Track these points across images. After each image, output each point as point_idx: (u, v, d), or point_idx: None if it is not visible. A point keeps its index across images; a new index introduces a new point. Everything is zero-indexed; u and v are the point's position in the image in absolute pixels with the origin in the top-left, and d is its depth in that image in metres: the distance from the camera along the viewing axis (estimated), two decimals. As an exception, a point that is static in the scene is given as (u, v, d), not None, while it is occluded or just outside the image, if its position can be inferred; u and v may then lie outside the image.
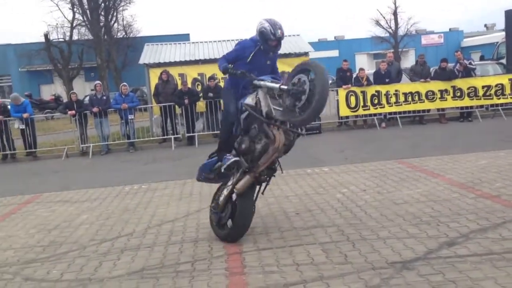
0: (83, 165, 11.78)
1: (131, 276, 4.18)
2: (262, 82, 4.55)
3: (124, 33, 41.69)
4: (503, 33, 19.50)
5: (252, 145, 4.64)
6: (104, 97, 13.47)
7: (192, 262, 4.38)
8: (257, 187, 4.91)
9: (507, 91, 13.35)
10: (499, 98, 13.42)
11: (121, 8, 40.21)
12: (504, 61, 18.55)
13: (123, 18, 41.57)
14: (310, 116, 4.22)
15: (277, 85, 4.43)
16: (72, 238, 5.46)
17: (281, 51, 17.92)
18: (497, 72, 16.12)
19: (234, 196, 4.76)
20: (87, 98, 18.76)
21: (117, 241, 5.20)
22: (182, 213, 6.12)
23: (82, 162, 12.14)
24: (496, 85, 13.40)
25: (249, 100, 4.64)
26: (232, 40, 17.17)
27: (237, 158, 4.73)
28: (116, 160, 12.03)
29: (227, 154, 4.83)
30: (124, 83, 14.06)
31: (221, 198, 4.87)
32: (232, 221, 4.77)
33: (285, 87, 4.36)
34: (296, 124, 4.48)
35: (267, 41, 4.76)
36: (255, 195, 4.92)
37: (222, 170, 4.82)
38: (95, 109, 12.95)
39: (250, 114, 4.61)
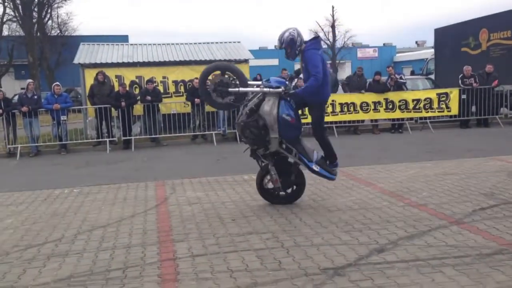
0: (9, 166, 11.15)
1: (57, 284, 3.98)
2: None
3: (58, 31, 40.17)
4: (433, 50, 20.62)
5: None
6: (35, 97, 12.84)
7: (123, 269, 4.24)
8: None
9: (435, 105, 14.09)
10: (427, 112, 14.14)
11: (56, 5, 38.78)
12: (433, 76, 19.63)
13: (58, 16, 40.10)
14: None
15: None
16: (-6, 244, 5.13)
17: (221, 58, 17.98)
18: (426, 87, 16.98)
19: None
20: (16, 97, 17.82)
21: (43, 247, 4.94)
22: (115, 218, 5.92)
23: (8, 164, 11.50)
24: (425, 99, 14.11)
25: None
26: (172, 44, 17.00)
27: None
28: (46, 162, 11.49)
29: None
30: (57, 83, 13.47)
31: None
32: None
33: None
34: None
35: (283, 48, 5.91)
36: None
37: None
38: (24, 109, 12.32)
39: None
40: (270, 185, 6.12)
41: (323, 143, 6.03)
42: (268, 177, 6.02)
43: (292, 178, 6.07)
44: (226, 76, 5.92)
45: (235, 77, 5.88)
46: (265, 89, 5.73)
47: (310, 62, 5.72)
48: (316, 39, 6.11)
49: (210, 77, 6.07)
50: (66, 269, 4.29)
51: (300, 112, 6.30)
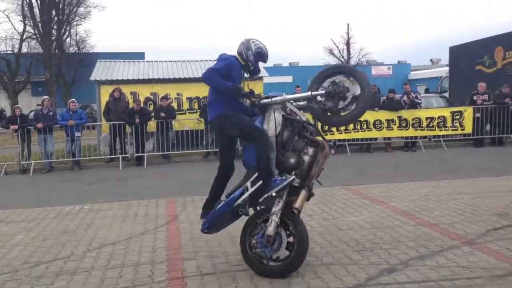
0: (22, 183, 11.28)
1: (65, 302, 3.99)
2: (290, 96, 4.55)
3: (76, 48, 40.85)
4: (447, 68, 20.52)
5: (300, 158, 4.39)
6: (51, 113, 13.03)
7: (131, 287, 4.23)
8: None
9: (449, 123, 13.97)
10: (441, 130, 14.01)
11: (75, 23, 39.51)
12: (447, 94, 19.50)
13: (76, 33, 40.82)
14: (363, 110, 4.38)
15: (308, 93, 4.46)
16: (5, 260, 5.17)
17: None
18: (440, 105, 16.87)
19: (287, 221, 4.32)
20: (32, 113, 18.11)
21: (52, 264, 4.97)
22: (125, 236, 5.93)
23: (21, 180, 11.63)
24: (438, 117, 14.00)
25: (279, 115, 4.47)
26: (187, 61, 17.19)
27: (293, 176, 4.29)
28: (58, 178, 11.60)
29: (280, 175, 4.37)
30: (73, 99, 13.70)
31: (271, 229, 4.22)
32: (291, 249, 4.31)
33: (321, 91, 4.40)
34: (343, 122, 4.64)
35: (259, 63, 4.73)
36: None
37: (274, 194, 4.22)
38: (39, 125, 12.50)
39: (289, 127, 4.45)
40: None
41: None
42: None
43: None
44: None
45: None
46: None
47: None
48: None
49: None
50: (74, 287, 4.30)
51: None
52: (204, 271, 4.55)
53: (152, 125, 13.65)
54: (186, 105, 15.06)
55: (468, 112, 14.01)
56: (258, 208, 4.54)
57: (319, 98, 4.45)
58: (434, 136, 14.27)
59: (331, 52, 45.52)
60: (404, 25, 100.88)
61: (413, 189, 8.01)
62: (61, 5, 37.11)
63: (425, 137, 14.29)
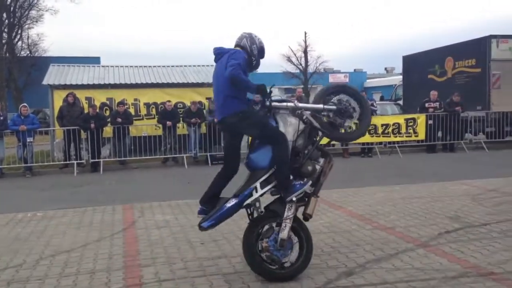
0: (-29, 189, 10.79)
1: (16, 312, 3.83)
2: (302, 104, 4.56)
3: (28, 52, 39.60)
4: (401, 76, 21.16)
5: (314, 167, 4.46)
6: (1, 117, 12.53)
7: (86, 295, 4.11)
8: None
9: (403, 130, 14.41)
10: (395, 136, 14.44)
11: (26, 26, 38.32)
12: (401, 102, 20.09)
13: (28, 36, 39.58)
14: (365, 130, 5.11)
15: (320, 105, 4.58)
16: (-49, 270, 4.92)
17: (194, 81, 17.96)
18: (395, 112, 17.39)
19: (295, 226, 4.41)
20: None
21: (3, 272, 4.76)
22: (80, 243, 5.76)
23: (-30, 187, 11.13)
24: (393, 124, 14.41)
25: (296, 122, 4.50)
26: (144, 67, 16.95)
27: (310, 181, 4.39)
28: (9, 185, 11.16)
29: (296, 180, 4.38)
30: (24, 104, 13.21)
31: (285, 232, 4.24)
32: (300, 253, 4.41)
33: (333, 107, 4.60)
34: (349, 139, 5.65)
35: (261, 59, 4.68)
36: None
37: (294, 199, 4.28)
38: (-13, 130, 12.01)
39: (308, 135, 4.49)
40: None
41: None
42: None
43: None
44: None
45: None
46: None
47: None
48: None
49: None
50: (26, 296, 4.14)
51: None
52: (162, 277, 4.48)
53: (108, 131, 13.37)
54: (143, 111, 14.86)
55: (421, 119, 14.50)
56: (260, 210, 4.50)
57: (325, 112, 4.62)
58: (389, 142, 14.66)
59: (289, 59, 46.08)
60: (360, 34, 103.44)
61: (370, 194, 8.18)
62: (12, 8, 35.91)
63: (380, 143, 14.67)
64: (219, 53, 4.57)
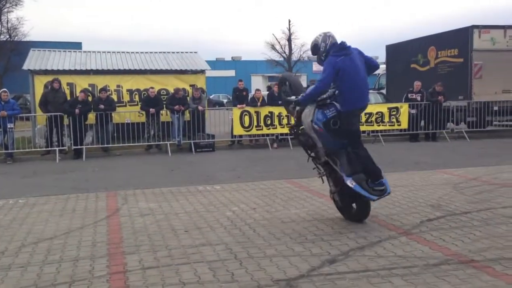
0: (-50, 176, 10.59)
1: (-2, 300, 3.79)
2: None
3: (8, 36, 38.77)
4: (384, 65, 21.27)
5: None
6: (-20, 103, 12.30)
7: (70, 283, 4.08)
8: None
9: (386, 119, 14.52)
10: (379, 125, 14.54)
11: (6, 10, 37.44)
12: (384, 91, 20.22)
13: (7, 20, 38.71)
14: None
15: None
16: None
17: (177, 68, 17.89)
18: (378, 101, 17.47)
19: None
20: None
21: (-16, 261, 4.71)
22: (63, 230, 5.72)
23: (-51, 173, 10.92)
24: (376, 113, 14.50)
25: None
26: (127, 53, 16.75)
27: None
28: (-10, 172, 10.99)
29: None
30: (4, 89, 12.94)
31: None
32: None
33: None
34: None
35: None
36: None
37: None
38: (-33, 116, 11.77)
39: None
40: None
41: (358, 159, 5.51)
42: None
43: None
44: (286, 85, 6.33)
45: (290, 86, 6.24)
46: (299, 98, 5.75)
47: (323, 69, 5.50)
48: (335, 44, 5.54)
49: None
50: (9, 284, 4.10)
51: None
52: (146, 265, 4.47)
53: (91, 118, 13.21)
54: (126, 97, 14.72)
55: (404, 109, 14.63)
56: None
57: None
58: (373, 131, 14.77)
59: (273, 47, 45.97)
60: (343, 22, 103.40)
61: (353, 182, 8.23)
62: (-10, -10, 35.11)
63: (363, 132, 14.75)
64: (346, 47, 5.51)
